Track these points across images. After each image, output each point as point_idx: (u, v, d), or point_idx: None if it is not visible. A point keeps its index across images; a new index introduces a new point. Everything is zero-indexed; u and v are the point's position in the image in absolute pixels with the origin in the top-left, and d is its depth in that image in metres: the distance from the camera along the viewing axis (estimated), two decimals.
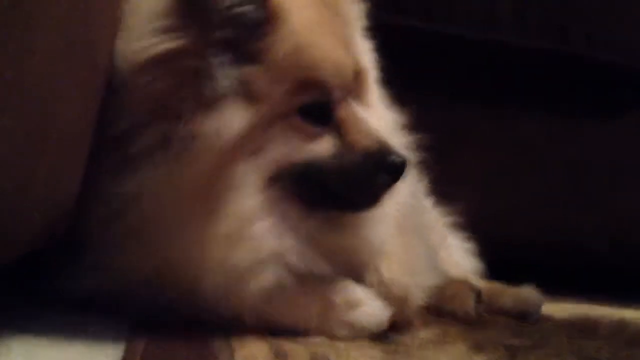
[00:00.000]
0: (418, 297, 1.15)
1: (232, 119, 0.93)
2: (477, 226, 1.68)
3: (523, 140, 1.88)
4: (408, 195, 1.19)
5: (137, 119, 0.92)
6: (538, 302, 1.45)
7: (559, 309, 1.62)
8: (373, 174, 1.01)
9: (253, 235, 0.97)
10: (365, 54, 1.16)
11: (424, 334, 1.15)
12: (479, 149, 1.85)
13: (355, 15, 1.15)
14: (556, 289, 1.81)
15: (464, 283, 1.35)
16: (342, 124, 1.03)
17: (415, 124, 1.27)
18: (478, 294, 1.31)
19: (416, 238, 1.21)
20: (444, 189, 1.62)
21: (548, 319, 1.50)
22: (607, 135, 1.89)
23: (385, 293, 1.09)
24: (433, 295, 1.23)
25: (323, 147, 1.02)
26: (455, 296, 1.29)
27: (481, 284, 1.50)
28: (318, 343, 0.98)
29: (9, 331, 0.85)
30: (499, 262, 1.66)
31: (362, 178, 1.01)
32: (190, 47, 0.90)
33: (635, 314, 1.65)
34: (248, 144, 0.95)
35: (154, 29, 0.91)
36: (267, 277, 0.97)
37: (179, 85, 0.91)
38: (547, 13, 1.78)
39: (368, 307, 1.05)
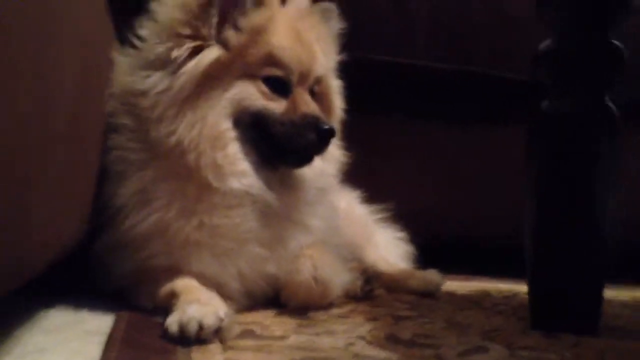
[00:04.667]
0: (337, 287, 1.56)
1: (208, 55, 1.38)
2: (405, 219, 2.10)
3: (438, 147, 2.29)
4: (329, 219, 1.64)
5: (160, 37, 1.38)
6: (438, 282, 1.85)
7: (466, 286, 2.04)
8: (305, 130, 1.45)
9: (228, 146, 1.40)
10: (330, 69, 1.62)
11: (336, 311, 1.55)
12: (402, 156, 2.26)
13: (325, 38, 1.61)
14: (480, 269, 2.24)
15: (359, 269, 1.75)
16: (295, 98, 1.48)
17: (349, 136, 1.69)
18: (367, 278, 1.70)
19: (333, 251, 1.63)
20: (373, 189, 2.05)
21: (451, 294, 1.93)
22: (513, 141, 2.28)
23: (315, 282, 1.49)
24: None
25: (275, 105, 1.46)
26: (353, 280, 1.68)
27: (394, 270, 1.92)
28: (249, 320, 1.40)
29: (18, 324, 1.22)
30: (432, 247, 2.08)
31: (297, 131, 1.45)
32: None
33: None
34: (220, 77, 1.39)
35: None
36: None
37: (190, 25, 1.38)
38: (454, 38, 2.19)
39: (205, 307, 1.23)
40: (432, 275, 1.87)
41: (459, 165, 2.32)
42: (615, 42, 1.46)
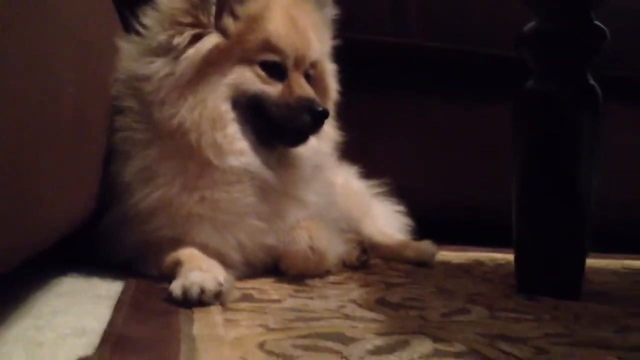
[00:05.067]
0: (333, 256, 1.67)
1: (208, 42, 1.48)
2: (404, 193, 2.20)
3: (436, 126, 2.38)
4: (325, 195, 1.74)
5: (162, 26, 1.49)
6: (432, 252, 1.96)
7: (461, 256, 2.14)
8: (300, 112, 1.55)
9: (227, 126, 1.51)
10: (324, 53, 1.71)
11: (333, 278, 1.66)
12: (402, 134, 2.36)
13: (319, 24, 1.69)
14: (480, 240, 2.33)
15: (355, 241, 1.86)
16: (290, 82, 1.57)
17: (354, 114, 1.77)
18: (363, 249, 1.81)
19: (330, 224, 1.73)
20: (375, 165, 2.15)
21: (445, 263, 2.03)
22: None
23: (311, 252, 1.60)
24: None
25: (271, 89, 1.56)
26: (350, 250, 1.80)
27: (390, 241, 2.02)
28: (248, 286, 1.50)
29: (34, 289, 1.32)
30: (428, 220, 2.17)
31: (292, 113, 1.55)
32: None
33: None
34: (219, 62, 1.49)
35: None
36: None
37: (190, 14, 1.48)
38: (447, 20, 2.27)
39: (206, 273, 1.32)
40: (426, 245, 1.96)
41: (454, 141, 2.41)
42: (597, 23, 1.54)
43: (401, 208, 2.21)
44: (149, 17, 1.53)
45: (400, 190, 2.19)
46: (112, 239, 1.55)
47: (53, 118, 1.15)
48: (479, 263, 2.04)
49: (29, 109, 1.02)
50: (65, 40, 1.21)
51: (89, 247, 1.58)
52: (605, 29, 1.54)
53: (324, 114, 1.55)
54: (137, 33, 1.55)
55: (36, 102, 1.05)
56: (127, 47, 1.56)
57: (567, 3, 1.56)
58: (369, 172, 2.16)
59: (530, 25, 1.59)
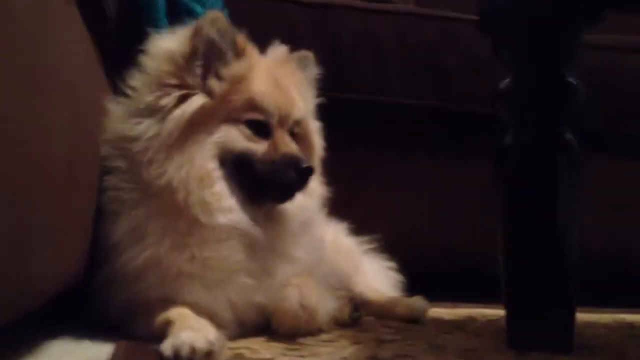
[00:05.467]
0: (324, 313, 1.66)
1: (194, 103, 1.50)
2: (391, 247, 2.20)
3: (420, 179, 2.41)
4: (314, 251, 1.75)
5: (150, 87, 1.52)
6: (424, 309, 1.95)
7: (453, 312, 2.13)
8: (285, 169, 1.56)
9: (215, 184, 1.52)
10: (308, 111, 1.74)
11: (324, 336, 1.64)
12: (387, 187, 2.40)
13: (302, 83, 1.73)
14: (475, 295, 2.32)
15: (347, 297, 1.85)
16: (275, 140, 1.59)
17: (340, 170, 1.78)
18: (355, 305, 1.81)
19: (320, 280, 1.73)
20: (362, 221, 2.16)
21: (437, 320, 2.02)
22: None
23: (302, 309, 1.59)
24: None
25: (257, 146, 1.58)
26: (341, 307, 1.78)
27: (382, 298, 2.01)
28: (239, 345, 1.49)
29: (24, 352, 1.33)
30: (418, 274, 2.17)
31: (278, 170, 1.56)
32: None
33: None
34: (205, 122, 1.51)
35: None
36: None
37: (176, 75, 1.51)
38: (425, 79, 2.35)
39: (197, 332, 1.33)
40: (417, 302, 1.96)
41: (442, 195, 2.44)
42: (569, 78, 1.57)
43: (391, 264, 2.21)
44: (136, 80, 1.56)
45: (389, 246, 2.19)
46: (101, 301, 1.55)
47: (44, 171, 1.17)
48: (470, 319, 2.04)
49: (15, 160, 1.03)
50: (56, 96, 1.24)
51: (80, 308, 1.57)
52: (578, 84, 1.57)
53: (309, 171, 1.57)
54: (125, 96, 1.57)
55: (26, 155, 1.07)
56: (116, 109, 1.58)
57: (538, 61, 1.60)
58: (357, 228, 2.17)
59: (505, 82, 1.63)
